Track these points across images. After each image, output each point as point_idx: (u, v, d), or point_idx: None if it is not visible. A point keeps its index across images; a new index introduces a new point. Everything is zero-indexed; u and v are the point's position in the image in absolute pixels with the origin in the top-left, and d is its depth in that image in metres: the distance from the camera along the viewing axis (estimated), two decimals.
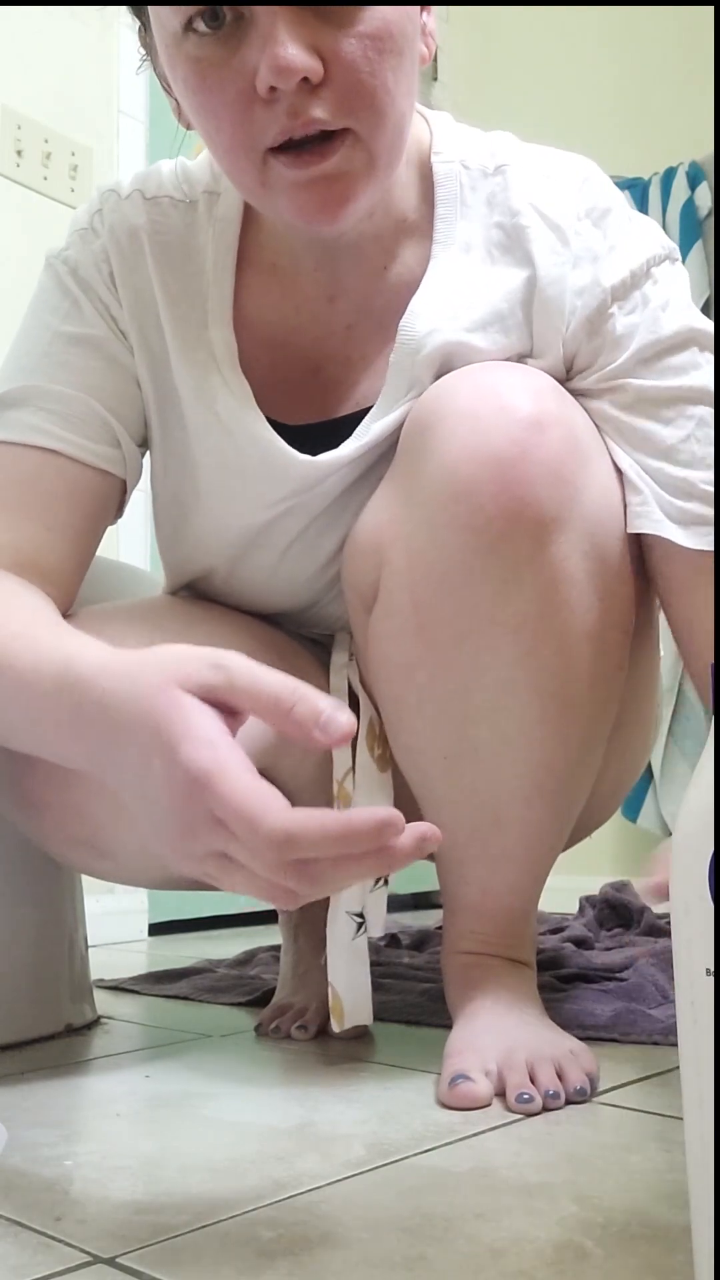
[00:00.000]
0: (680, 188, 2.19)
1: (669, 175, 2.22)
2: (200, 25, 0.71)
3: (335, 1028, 0.86)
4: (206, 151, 0.89)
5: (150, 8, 0.74)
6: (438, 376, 0.82)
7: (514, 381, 0.78)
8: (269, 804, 0.50)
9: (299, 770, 0.88)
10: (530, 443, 0.75)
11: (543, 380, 0.79)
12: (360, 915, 0.86)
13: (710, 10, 2.23)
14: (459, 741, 0.81)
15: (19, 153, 1.81)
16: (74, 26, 1.90)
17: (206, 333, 0.86)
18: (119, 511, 0.92)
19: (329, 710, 0.52)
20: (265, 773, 0.82)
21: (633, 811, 2.09)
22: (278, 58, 0.68)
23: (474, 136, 0.89)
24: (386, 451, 0.85)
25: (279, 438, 0.85)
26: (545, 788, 0.82)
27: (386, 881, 0.87)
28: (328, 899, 0.86)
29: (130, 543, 1.81)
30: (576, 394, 0.83)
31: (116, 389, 0.87)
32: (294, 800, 0.83)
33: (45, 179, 1.84)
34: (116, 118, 1.96)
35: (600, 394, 0.83)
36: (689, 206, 2.17)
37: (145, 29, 0.78)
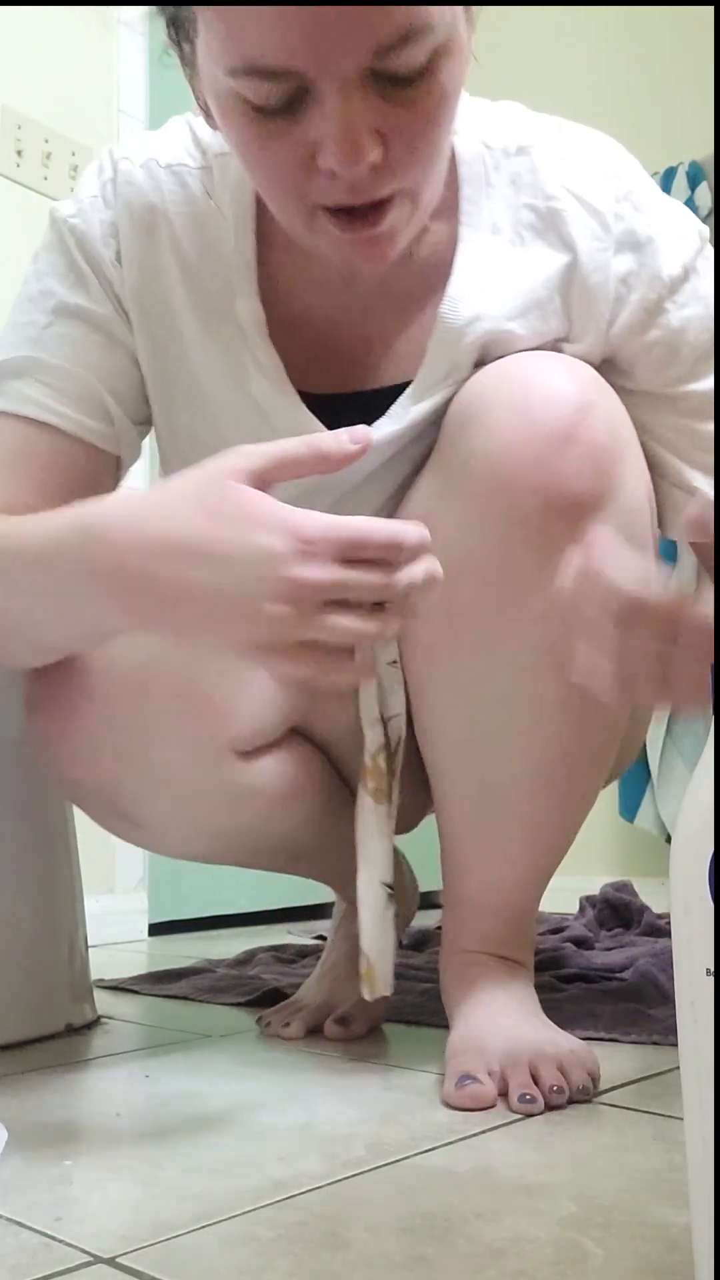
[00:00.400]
0: (680, 188, 2.19)
1: (669, 175, 2.22)
2: (267, 102, 0.67)
3: (365, 995, 0.86)
4: None
5: (207, 51, 0.70)
6: (478, 362, 0.83)
7: (557, 372, 0.78)
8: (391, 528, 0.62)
9: (335, 722, 0.93)
10: (573, 435, 0.75)
11: (586, 372, 0.80)
12: (391, 886, 0.87)
13: (710, 10, 2.23)
14: (474, 728, 0.82)
15: (19, 153, 1.81)
16: (74, 26, 1.90)
17: (233, 305, 0.84)
18: (114, 487, 0.91)
19: (344, 434, 0.64)
20: (303, 726, 0.93)
21: (630, 812, 2.09)
22: (348, 151, 0.66)
23: (484, 109, 0.87)
24: (421, 434, 0.85)
25: (315, 418, 0.84)
26: (555, 779, 0.82)
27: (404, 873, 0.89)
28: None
29: None
30: (636, 394, 0.83)
31: (115, 367, 0.86)
32: (329, 749, 0.97)
33: (45, 179, 1.84)
34: (116, 118, 1.95)
35: (664, 400, 0.85)
36: (689, 206, 2.17)
37: (179, 43, 0.73)
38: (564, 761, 0.82)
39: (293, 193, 0.71)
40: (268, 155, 0.70)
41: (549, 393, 0.77)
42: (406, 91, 0.67)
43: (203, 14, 0.67)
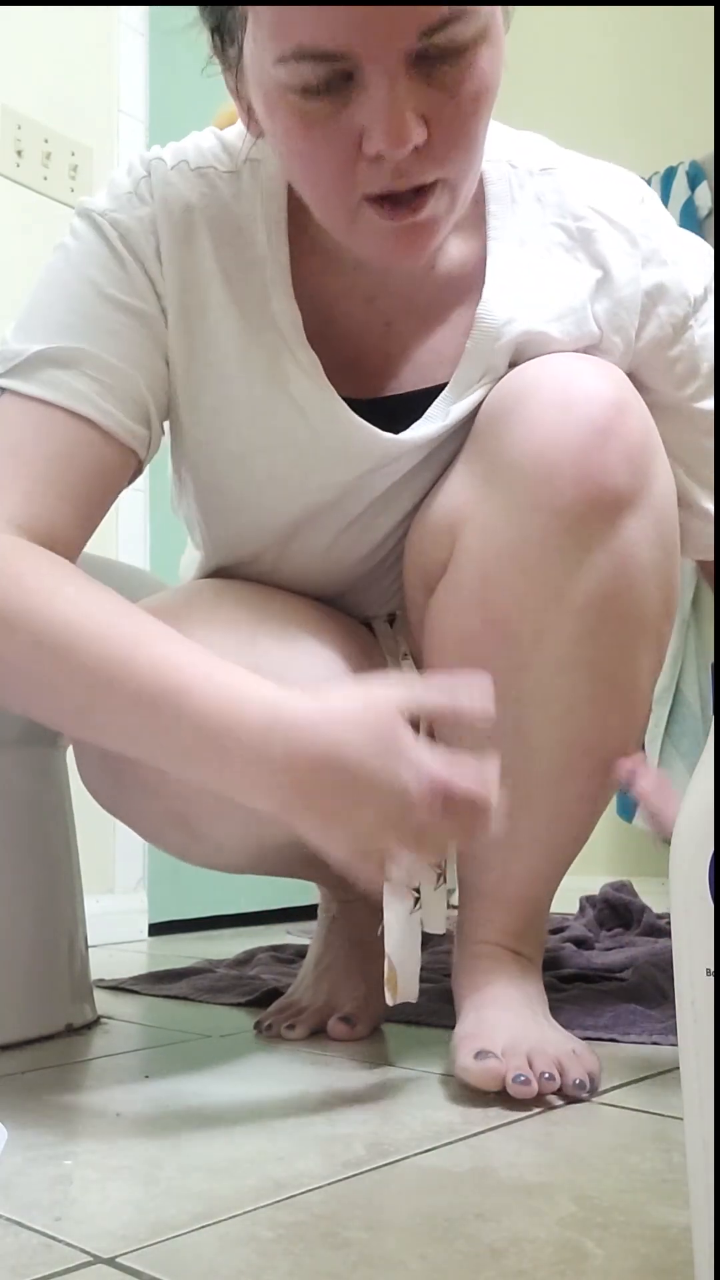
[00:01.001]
0: (680, 188, 2.19)
1: (669, 175, 2.22)
2: (316, 89, 0.69)
3: (389, 1000, 0.86)
4: (240, 124, 0.88)
5: (255, 45, 0.71)
6: (511, 363, 0.85)
7: (594, 371, 0.81)
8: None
9: None
10: (612, 430, 0.77)
11: (618, 373, 0.82)
12: (418, 891, 0.86)
13: (710, 10, 2.23)
14: (504, 719, 0.82)
15: (19, 153, 1.81)
16: (74, 26, 1.90)
17: (269, 307, 0.84)
18: (121, 489, 0.88)
19: (469, 691, 0.69)
20: None
21: (628, 812, 2.09)
22: (394, 132, 0.68)
23: (508, 134, 0.90)
24: (451, 435, 0.86)
25: (353, 414, 0.84)
26: (582, 771, 0.83)
27: (445, 879, 0.88)
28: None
29: (130, 542, 1.81)
30: (654, 409, 0.85)
31: (155, 368, 0.84)
32: None
33: (45, 179, 1.84)
34: (116, 118, 1.95)
35: (682, 417, 0.88)
36: (689, 206, 2.17)
37: (224, 45, 0.75)
38: (590, 754, 0.83)
39: (338, 184, 0.72)
40: (313, 145, 0.71)
41: (588, 390, 0.79)
42: (449, 75, 0.69)
43: (253, 9, 0.69)
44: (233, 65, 0.75)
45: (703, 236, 2.15)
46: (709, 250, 0.91)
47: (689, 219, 2.16)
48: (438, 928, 0.88)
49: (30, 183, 1.82)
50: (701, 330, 0.88)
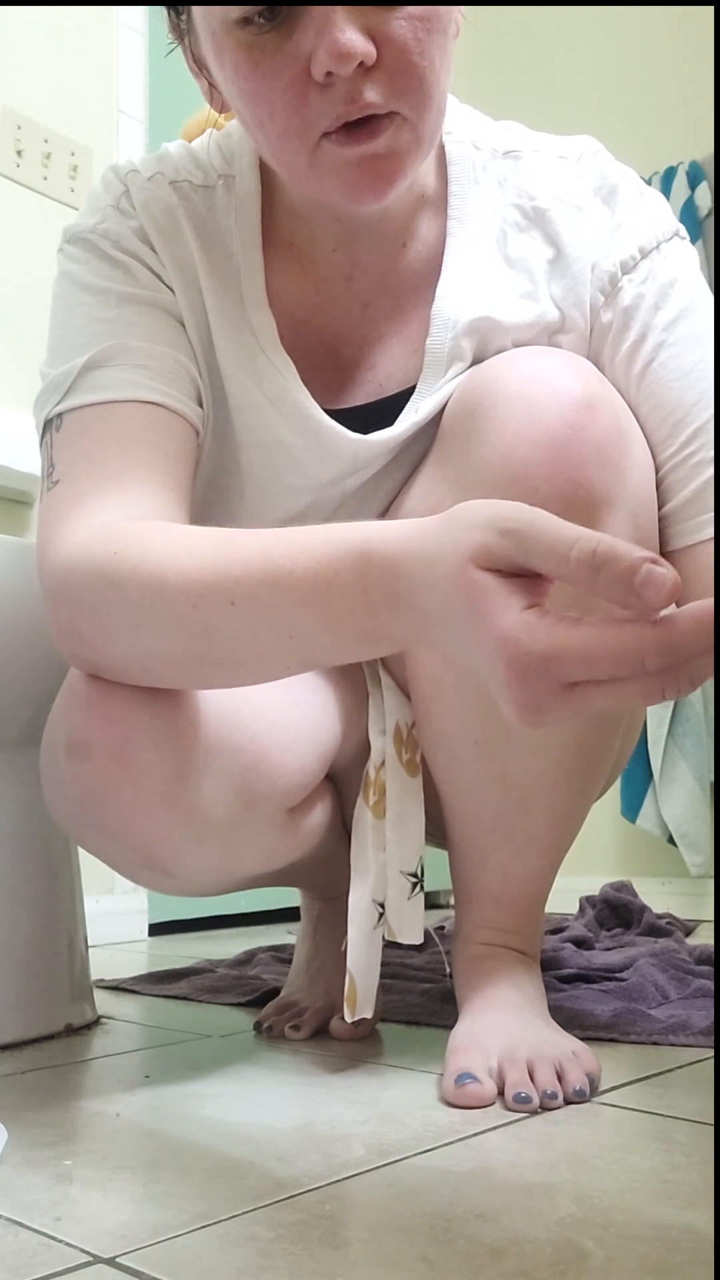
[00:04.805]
0: (680, 188, 2.19)
1: (669, 175, 2.22)
2: (258, 19, 0.70)
3: (347, 1016, 0.86)
4: (208, 135, 0.88)
5: (199, 9, 0.73)
6: (478, 350, 0.84)
7: (561, 364, 0.80)
8: (623, 641, 0.48)
9: (347, 742, 0.90)
10: (581, 424, 0.76)
11: (586, 364, 0.81)
12: (382, 905, 0.86)
13: (710, 10, 2.23)
14: (495, 725, 0.82)
15: (19, 153, 1.81)
16: (74, 26, 1.90)
17: (245, 314, 0.85)
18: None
19: (645, 566, 0.47)
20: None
21: (632, 812, 2.09)
22: (338, 44, 0.68)
23: (483, 121, 0.90)
24: (421, 432, 0.86)
25: (328, 417, 0.85)
26: (575, 769, 0.83)
27: (422, 888, 0.88)
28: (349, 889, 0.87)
29: None
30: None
31: (188, 349, 0.84)
32: (336, 780, 0.94)
33: (45, 179, 1.84)
34: (116, 118, 1.95)
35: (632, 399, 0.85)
36: (689, 206, 2.17)
37: (178, 13, 0.78)
38: (582, 752, 0.83)
39: (293, 119, 0.72)
40: (263, 80, 0.72)
41: (555, 385, 0.78)
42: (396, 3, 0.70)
43: None
44: (185, 33, 0.76)
45: (702, 236, 2.16)
46: (664, 215, 0.87)
47: (689, 219, 2.16)
48: (414, 938, 0.87)
49: (30, 183, 1.82)
50: (635, 289, 0.84)
